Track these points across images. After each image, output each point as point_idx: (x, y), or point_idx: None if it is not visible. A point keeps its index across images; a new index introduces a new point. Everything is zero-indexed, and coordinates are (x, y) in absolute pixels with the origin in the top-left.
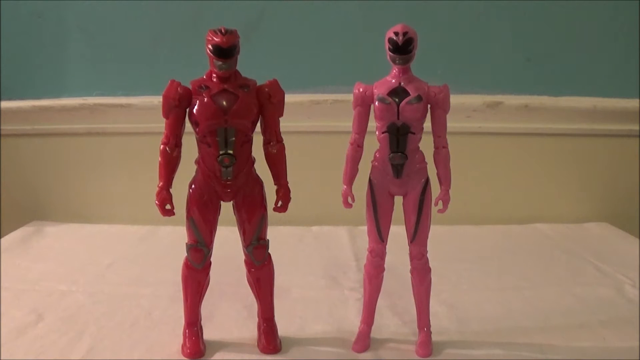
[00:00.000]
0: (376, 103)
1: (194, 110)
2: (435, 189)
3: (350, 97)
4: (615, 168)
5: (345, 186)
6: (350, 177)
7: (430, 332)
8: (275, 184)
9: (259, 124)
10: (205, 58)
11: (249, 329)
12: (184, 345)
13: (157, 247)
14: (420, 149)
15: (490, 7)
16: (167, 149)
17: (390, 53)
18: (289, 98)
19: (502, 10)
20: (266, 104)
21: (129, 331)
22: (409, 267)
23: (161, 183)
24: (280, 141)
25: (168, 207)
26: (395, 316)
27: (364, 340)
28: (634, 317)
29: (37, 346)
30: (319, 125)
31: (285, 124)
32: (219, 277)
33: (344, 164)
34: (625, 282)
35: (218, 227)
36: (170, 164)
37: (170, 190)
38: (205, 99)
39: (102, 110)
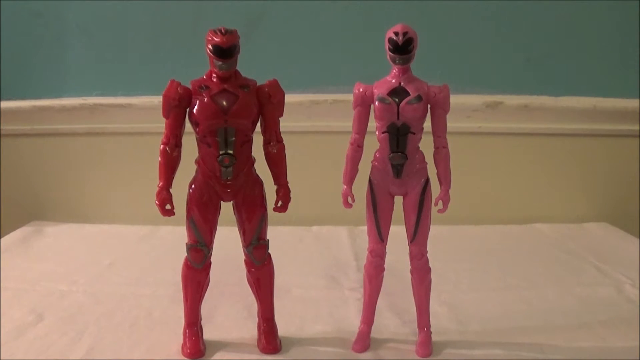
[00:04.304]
0: (376, 103)
1: (194, 110)
2: (435, 189)
3: (350, 97)
4: (615, 168)
5: (345, 186)
6: (350, 177)
7: (430, 332)
8: (275, 184)
9: (259, 124)
10: (205, 58)
11: (249, 329)
12: (184, 345)
13: (157, 247)
14: (420, 149)
15: (491, 7)
16: (167, 149)
17: (390, 53)
18: (289, 98)
19: (502, 10)
20: (266, 104)
21: (129, 331)
22: (409, 267)
23: (161, 183)
24: (280, 141)
25: (168, 207)
26: (395, 316)
27: (364, 340)
28: (634, 317)
29: (37, 346)
30: (319, 125)
31: (285, 124)
32: (219, 277)
33: (344, 164)
34: (625, 282)
35: (218, 227)
36: (170, 164)
37: (170, 190)
38: (205, 99)
39: (102, 110)
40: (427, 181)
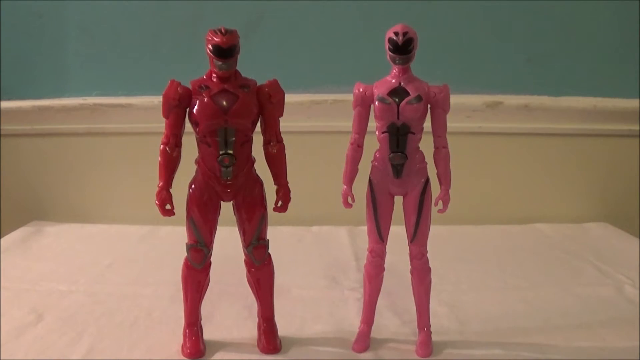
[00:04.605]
0: (376, 103)
1: (194, 110)
2: (435, 189)
3: (350, 97)
4: (615, 168)
5: (345, 186)
6: (350, 177)
7: (430, 332)
8: (275, 184)
9: (259, 124)
10: (205, 58)
11: (249, 329)
12: (184, 345)
13: (157, 247)
14: (420, 149)
15: (491, 7)
16: (167, 149)
17: (390, 53)
18: (289, 98)
19: (502, 10)
20: (266, 104)
21: (129, 331)
22: (409, 267)
23: (161, 183)
24: (280, 141)
25: (168, 207)
26: (395, 316)
27: (364, 340)
28: (634, 317)
29: (37, 346)
30: (319, 125)
31: (285, 124)
32: (219, 277)
33: (344, 164)
34: (625, 282)
35: (218, 227)
36: (170, 164)
37: (170, 190)
38: (205, 99)
39: (102, 110)
40: (427, 181)
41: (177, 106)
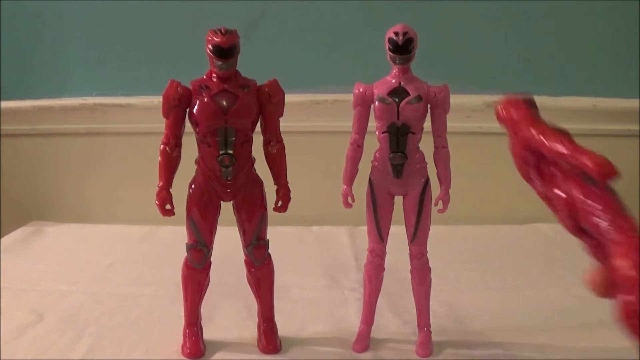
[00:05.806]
0: (376, 103)
1: (194, 110)
2: (435, 189)
3: (350, 97)
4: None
5: (345, 186)
6: (350, 177)
7: (430, 332)
8: (275, 184)
9: (259, 124)
10: (205, 58)
11: (249, 329)
12: (184, 345)
13: (157, 247)
14: (420, 149)
15: (490, 7)
16: (167, 149)
17: (390, 53)
18: (289, 98)
19: (502, 10)
20: (266, 104)
21: (129, 331)
22: (409, 267)
23: (161, 183)
24: (280, 141)
25: (168, 207)
26: (395, 316)
27: (364, 340)
28: None
29: (37, 346)
30: (319, 125)
31: (285, 124)
32: (219, 277)
33: (344, 164)
34: None
35: (218, 227)
36: (170, 164)
37: (170, 190)
38: (205, 99)
39: (102, 110)
40: (427, 181)
41: (177, 106)
